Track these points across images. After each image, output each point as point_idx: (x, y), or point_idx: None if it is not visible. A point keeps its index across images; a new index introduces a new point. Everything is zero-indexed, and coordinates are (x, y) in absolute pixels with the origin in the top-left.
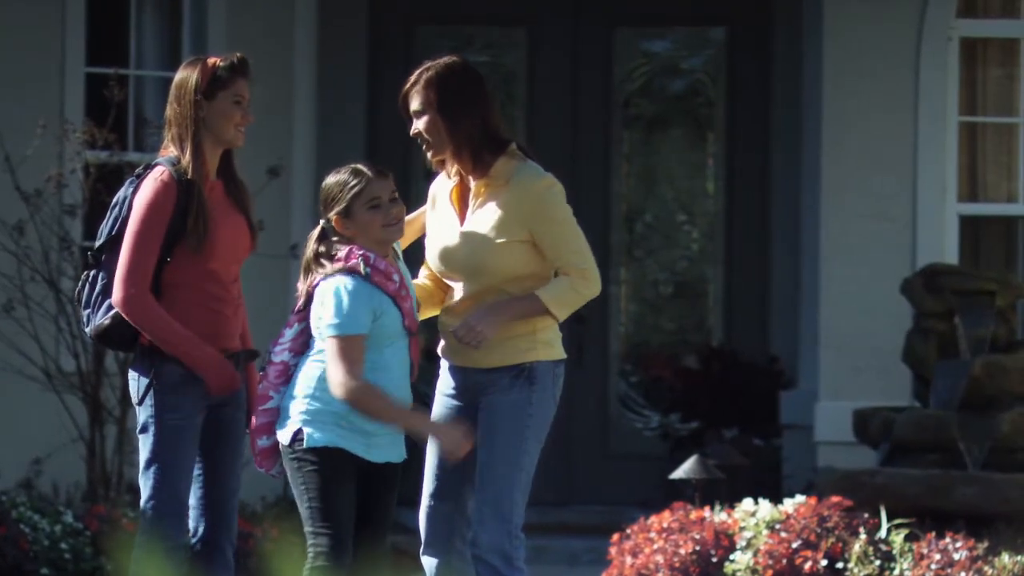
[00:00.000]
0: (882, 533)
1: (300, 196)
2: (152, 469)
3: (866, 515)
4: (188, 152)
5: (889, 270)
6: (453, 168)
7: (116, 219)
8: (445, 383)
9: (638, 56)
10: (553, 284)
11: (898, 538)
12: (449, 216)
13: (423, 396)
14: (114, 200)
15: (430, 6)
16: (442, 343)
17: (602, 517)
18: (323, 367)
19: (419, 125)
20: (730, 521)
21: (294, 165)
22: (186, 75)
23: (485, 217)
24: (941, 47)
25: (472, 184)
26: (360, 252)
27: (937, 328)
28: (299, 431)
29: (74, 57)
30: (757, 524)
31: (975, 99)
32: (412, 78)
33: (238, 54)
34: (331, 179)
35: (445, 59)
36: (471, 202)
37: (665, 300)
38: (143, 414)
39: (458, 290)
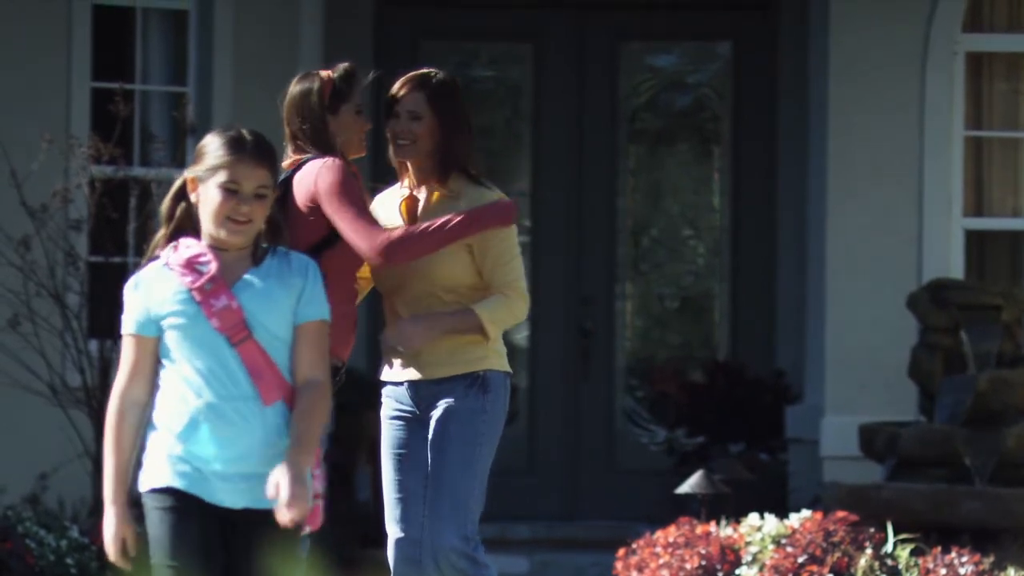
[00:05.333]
0: (888, 548)
1: None
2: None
3: (872, 530)
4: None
5: (895, 284)
6: (406, 178)
7: None
8: (390, 407)
9: (644, 71)
10: (490, 301)
11: (904, 553)
12: (396, 225)
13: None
14: None
15: (436, 20)
16: (384, 368)
17: (608, 532)
18: (162, 389)
19: (412, 126)
20: (736, 536)
21: None
22: (305, 89)
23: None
24: (947, 61)
25: (422, 195)
26: (189, 241)
27: (943, 343)
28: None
29: (79, 72)
30: (763, 539)
31: (981, 113)
32: (412, 80)
33: (348, 63)
34: (212, 134)
35: (441, 72)
36: (420, 213)
37: (671, 315)
38: None
39: (392, 308)
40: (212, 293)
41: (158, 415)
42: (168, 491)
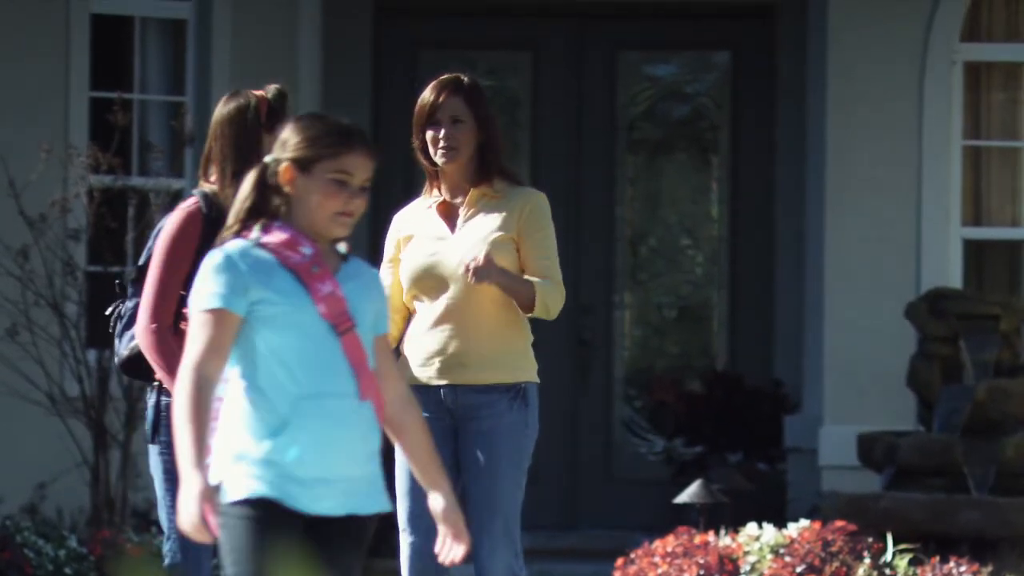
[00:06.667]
0: (887, 557)
1: None
2: (162, 510)
3: (870, 539)
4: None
5: (893, 294)
6: (438, 186)
7: (149, 249)
8: None
9: (642, 80)
10: (545, 281)
11: (902, 562)
12: (437, 230)
13: None
14: (155, 230)
15: (434, 29)
16: (414, 369)
17: (606, 542)
18: (245, 386)
19: (455, 130)
20: (734, 545)
21: None
22: (238, 107)
23: (480, 222)
24: (945, 71)
25: (463, 198)
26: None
27: (941, 352)
28: (219, 483)
29: (78, 81)
30: (761, 548)
31: (979, 123)
32: (446, 85)
33: (279, 85)
34: (309, 120)
35: (467, 74)
36: (462, 213)
37: (669, 324)
38: (151, 452)
39: (433, 309)
40: (318, 277)
41: (241, 410)
42: (255, 502)
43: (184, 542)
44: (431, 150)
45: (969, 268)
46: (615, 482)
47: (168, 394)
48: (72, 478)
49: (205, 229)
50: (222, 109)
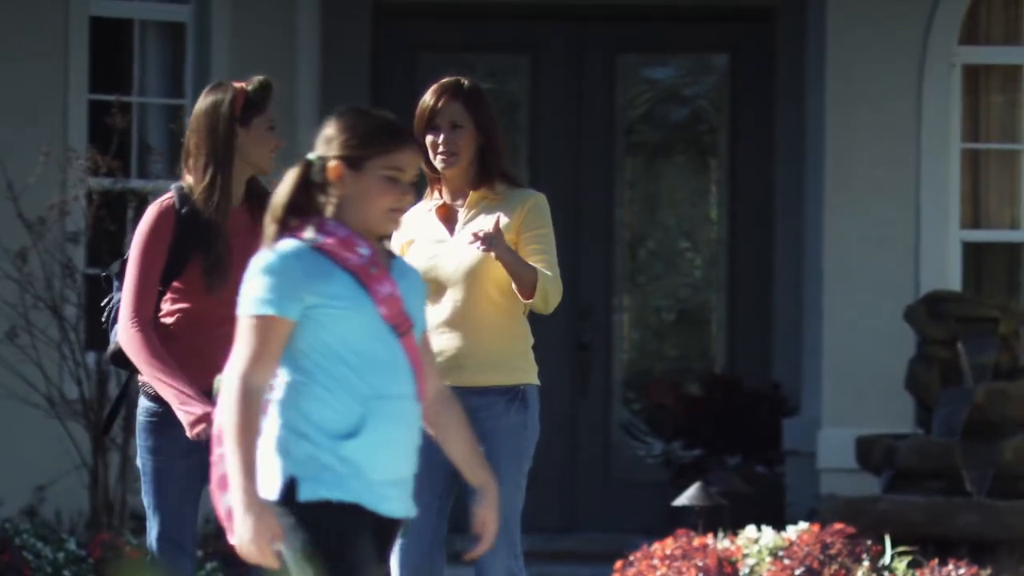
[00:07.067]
0: (885, 560)
1: None
2: (147, 509)
3: (869, 542)
4: (217, 185)
5: (892, 297)
6: (437, 190)
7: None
8: None
9: (641, 83)
10: (548, 275)
11: (901, 565)
12: (436, 232)
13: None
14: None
15: (434, 31)
16: None
17: (605, 544)
18: (309, 387)
19: (454, 136)
20: (733, 548)
21: None
22: (215, 101)
23: (479, 224)
24: (943, 74)
25: (464, 200)
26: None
27: (940, 355)
28: (291, 481)
29: (77, 84)
30: (760, 551)
31: (978, 126)
32: (446, 89)
33: (263, 76)
34: (355, 116)
35: (467, 77)
36: (462, 216)
37: (668, 327)
38: (137, 451)
39: (433, 312)
40: (376, 278)
41: (304, 409)
42: (336, 504)
43: (164, 537)
44: (431, 155)
45: (968, 271)
46: (614, 485)
47: (150, 398)
48: (71, 480)
49: (178, 224)
50: (201, 102)
